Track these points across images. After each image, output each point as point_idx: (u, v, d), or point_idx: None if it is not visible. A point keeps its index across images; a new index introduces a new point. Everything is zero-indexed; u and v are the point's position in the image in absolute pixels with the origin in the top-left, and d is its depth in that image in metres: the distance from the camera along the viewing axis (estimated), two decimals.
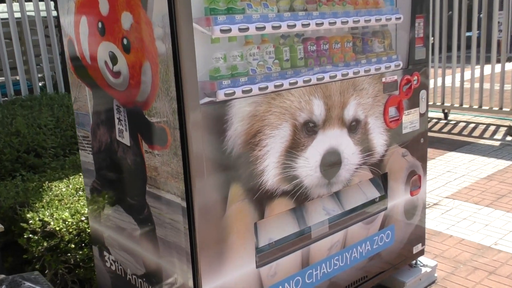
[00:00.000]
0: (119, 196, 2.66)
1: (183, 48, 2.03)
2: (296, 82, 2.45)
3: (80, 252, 3.07)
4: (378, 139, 2.94)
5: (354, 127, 2.78)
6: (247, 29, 2.22)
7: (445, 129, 7.82)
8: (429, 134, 7.48)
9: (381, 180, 3.09)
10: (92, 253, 3.10)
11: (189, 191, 2.17)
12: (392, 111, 3.01)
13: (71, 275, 3.17)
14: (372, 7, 2.84)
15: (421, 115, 3.21)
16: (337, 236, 2.83)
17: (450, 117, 8.50)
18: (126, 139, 2.48)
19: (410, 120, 3.14)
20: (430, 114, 8.61)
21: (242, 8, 2.25)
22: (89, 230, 3.09)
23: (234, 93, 2.21)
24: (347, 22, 2.62)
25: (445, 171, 5.85)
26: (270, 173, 2.42)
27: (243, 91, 2.25)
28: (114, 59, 2.39)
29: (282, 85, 2.39)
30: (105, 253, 2.94)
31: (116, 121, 2.51)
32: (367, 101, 2.83)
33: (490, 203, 4.85)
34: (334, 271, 2.85)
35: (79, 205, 3.20)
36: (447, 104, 8.36)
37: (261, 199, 2.40)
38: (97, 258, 3.04)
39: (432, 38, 8.38)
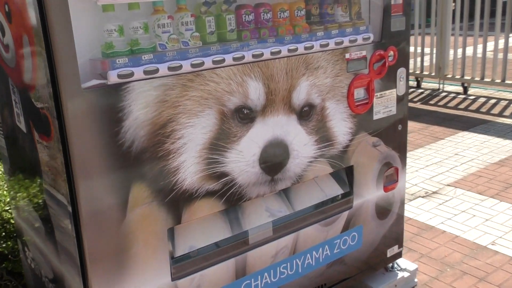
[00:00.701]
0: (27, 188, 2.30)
1: (53, 16, 1.60)
2: (223, 60, 2.00)
3: (4, 245, 2.74)
4: (340, 126, 2.48)
5: (307, 113, 2.32)
6: None
7: (462, 105, 7.19)
8: (444, 110, 6.91)
9: (345, 174, 2.63)
10: (17, 246, 2.78)
11: (73, 193, 1.78)
12: (359, 93, 2.52)
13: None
14: None
15: (399, 97, 2.71)
16: (284, 241, 2.41)
17: (470, 91, 7.82)
18: (22, 125, 2.10)
19: (384, 104, 2.65)
20: (448, 88, 7.98)
21: None
22: (13, 222, 2.76)
23: (132, 74, 1.78)
24: None
25: (453, 153, 5.31)
26: (189, 170, 2.00)
27: (146, 72, 1.81)
28: (2, 29, 1.98)
29: (202, 63, 1.94)
30: (25, 248, 2.60)
31: (13, 103, 2.13)
32: (325, 81, 2.35)
33: (496, 193, 4.32)
34: (281, 280, 2.45)
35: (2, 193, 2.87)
36: (467, 77, 7.69)
37: (176, 201, 2.00)
38: (21, 252, 2.72)
39: (454, 4, 7.66)
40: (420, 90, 8.17)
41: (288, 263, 2.45)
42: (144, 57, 1.82)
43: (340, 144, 2.50)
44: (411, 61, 8.29)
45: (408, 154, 5.29)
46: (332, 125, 2.44)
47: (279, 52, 2.16)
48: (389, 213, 2.86)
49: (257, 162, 2.19)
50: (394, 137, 2.75)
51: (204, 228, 2.16)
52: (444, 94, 7.84)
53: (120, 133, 1.79)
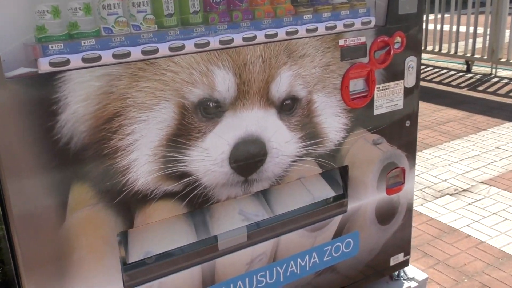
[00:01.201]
0: None
1: None
2: (183, 47, 1.76)
3: None
4: (332, 122, 2.19)
5: (289, 107, 2.05)
6: None
7: None
8: (493, 98, 6.36)
9: (339, 175, 2.35)
10: None
11: (1, 194, 1.62)
12: (356, 84, 2.22)
13: None
14: None
15: (408, 90, 2.38)
16: (261, 247, 2.17)
17: None
18: None
19: (388, 97, 2.33)
20: (501, 73, 7.35)
21: None
22: None
23: (67, 61, 1.57)
24: None
25: (494, 147, 4.84)
26: (141, 169, 1.79)
27: (85, 59, 1.60)
28: None
29: (156, 50, 1.71)
30: None
31: None
32: (313, 71, 2.07)
33: None
34: None
35: None
36: None
37: (126, 203, 1.80)
38: None
39: None
40: (470, 75, 7.58)
41: (267, 271, 2.22)
42: (84, 43, 1.61)
43: (332, 141, 2.22)
44: (461, 43, 7.69)
45: (442, 146, 4.89)
46: (321, 120, 2.16)
47: (254, 37, 1.89)
48: (392, 218, 2.56)
49: (227, 161, 1.95)
50: (400, 134, 2.43)
51: (163, 232, 1.95)
52: (495, 79, 7.23)
53: (55, 128, 1.60)
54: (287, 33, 1.96)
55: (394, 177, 2.49)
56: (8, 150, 1.55)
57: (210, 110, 1.87)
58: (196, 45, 1.78)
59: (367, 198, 2.42)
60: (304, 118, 2.10)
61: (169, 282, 1.98)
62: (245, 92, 1.92)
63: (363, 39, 2.16)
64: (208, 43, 1.80)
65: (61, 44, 1.57)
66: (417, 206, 3.78)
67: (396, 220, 2.58)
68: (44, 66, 1.55)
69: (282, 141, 2.06)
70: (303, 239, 2.29)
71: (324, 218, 2.32)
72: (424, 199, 3.91)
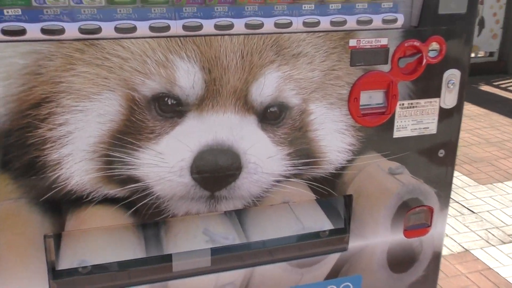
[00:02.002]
0: None
1: None
2: (134, 28, 1.47)
3: None
4: (333, 140, 1.78)
5: (275, 115, 1.69)
6: None
7: None
8: None
9: (342, 204, 1.93)
10: None
11: None
12: (371, 97, 1.79)
13: None
14: None
15: (446, 111, 1.90)
16: (228, 276, 1.84)
17: None
18: None
19: (416, 118, 1.87)
20: None
21: None
22: None
23: None
24: None
25: None
26: (76, 166, 1.54)
27: (5, 31, 1.37)
28: None
29: (99, 29, 1.44)
30: None
31: None
32: (310, 75, 1.68)
33: None
34: None
35: None
36: None
37: (56, 202, 1.55)
38: None
39: None
40: None
41: None
42: (8, 12, 1.38)
43: (331, 164, 1.81)
44: None
45: None
46: (318, 136, 1.76)
47: (231, 26, 1.55)
48: (410, 266, 2.09)
49: (187, 171, 1.63)
50: (429, 165, 1.95)
51: (105, 241, 1.69)
52: None
53: None
54: (277, 25, 1.60)
55: (417, 217, 2.01)
56: None
57: (168, 108, 1.57)
58: (152, 28, 1.48)
59: (376, 237, 1.98)
60: (295, 132, 1.72)
61: None
62: (215, 92, 1.59)
63: (384, 41, 1.73)
64: (168, 27, 1.50)
65: None
66: (476, 249, 3.20)
67: (414, 270, 2.10)
68: None
69: (263, 155, 1.70)
70: (285, 274, 1.91)
71: (315, 254, 1.93)
72: (488, 241, 3.30)
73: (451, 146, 1.96)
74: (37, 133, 1.47)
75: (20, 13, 1.39)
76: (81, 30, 1.43)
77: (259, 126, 1.68)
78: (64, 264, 1.65)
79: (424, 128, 1.89)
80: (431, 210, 2.02)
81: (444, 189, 2.01)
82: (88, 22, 1.43)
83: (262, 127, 1.68)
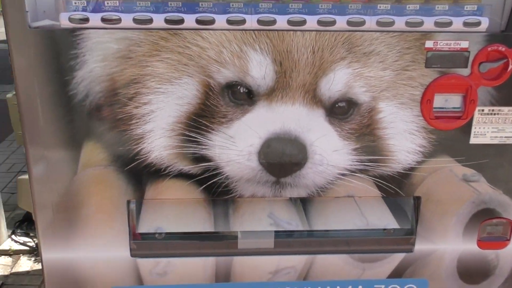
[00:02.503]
0: None
1: None
2: (213, 21, 1.62)
3: None
4: (403, 140, 1.79)
5: (343, 110, 1.74)
6: None
7: None
8: None
9: (411, 206, 1.92)
10: None
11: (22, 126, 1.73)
12: (447, 100, 1.77)
13: None
14: None
15: None
16: (289, 260, 1.93)
17: None
18: None
19: (497, 126, 1.80)
20: None
21: None
22: None
23: (87, 19, 1.59)
24: None
25: None
26: (156, 143, 1.74)
27: (105, 20, 1.59)
28: None
29: (181, 21, 1.61)
30: None
31: None
32: (381, 74, 1.71)
33: None
34: None
35: None
36: None
37: (138, 172, 1.77)
38: None
39: None
40: None
41: None
42: (108, 3, 1.60)
43: (400, 163, 1.82)
44: None
45: None
46: (387, 135, 1.78)
47: (303, 22, 1.63)
48: (484, 278, 2.02)
49: (255, 156, 1.75)
50: (509, 176, 1.87)
51: (179, 212, 1.88)
52: None
53: (71, 83, 1.64)
54: (349, 23, 1.64)
55: (494, 229, 1.94)
56: (28, 99, 1.66)
57: (240, 96, 1.70)
58: (229, 22, 1.62)
59: (445, 243, 1.94)
60: (363, 128, 1.76)
61: (179, 264, 1.91)
62: (285, 83, 1.69)
63: (464, 44, 1.69)
64: (243, 21, 1.62)
65: (84, 1, 1.59)
66: None
67: (489, 284, 2.02)
68: (64, 21, 1.59)
69: (329, 148, 1.76)
70: (346, 267, 1.96)
71: (378, 251, 1.95)
72: None
73: None
74: (125, 110, 1.69)
75: (117, 4, 1.60)
76: (166, 21, 1.60)
77: (326, 120, 1.74)
78: (143, 228, 1.87)
79: (506, 137, 1.81)
80: (510, 223, 1.93)
81: None
82: (173, 14, 1.61)
83: (330, 121, 1.74)
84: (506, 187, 1.88)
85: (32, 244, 3.02)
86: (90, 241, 1.84)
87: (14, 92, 2.88)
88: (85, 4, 1.59)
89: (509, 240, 1.95)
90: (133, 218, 1.85)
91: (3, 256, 2.95)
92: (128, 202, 1.81)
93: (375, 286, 1.99)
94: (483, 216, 1.90)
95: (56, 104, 1.66)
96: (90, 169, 1.75)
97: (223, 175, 1.78)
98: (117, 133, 1.71)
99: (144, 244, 1.89)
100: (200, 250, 1.91)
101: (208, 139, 1.74)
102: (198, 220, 1.88)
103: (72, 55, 1.61)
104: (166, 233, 1.89)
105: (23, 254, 2.97)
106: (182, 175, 1.78)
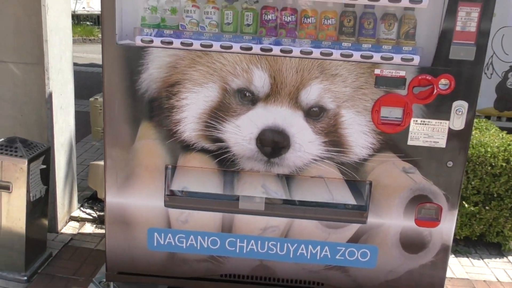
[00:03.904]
0: None
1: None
2: (230, 47, 2.47)
3: None
4: (358, 138, 2.55)
5: (316, 113, 2.53)
6: None
7: None
8: None
9: (365, 188, 2.65)
10: None
11: (104, 111, 2.62)
12: (391, 112, 2.51)
13: None
14: None
15: (454, 132, 2.51)
16: (275, 221, 2.69)
17: None
18: None
19: (427, 133, 2.52)
20: None
21: None
22: None
23: (151, 41, 2.48)
24: None
25: None
26: (188, 126, 2.58)
27: (163, 42, 2.48)
28: None
29: (211, 45, 2.47)
30: None
31: None
32: (343, 90, 2.49)
33: None
34: (269, 255, 2.74)
35: None
36: None
37: (174, 146, 2.61)
38: None
39: None
40: None
41: (278, 243, 2.72)
42: (166, 32, 2.49)
43: (356, 155, 2.57)
44: None
45: None
46: (347, 133, 2.54)
47: (290, 51, 2.46)
48: (420, 250, 2.68)
49: (254, 140, 2.56)
50: (439, 172, 2.57)
51: (199, 177, 2.69)
52: None
53: (138, 81, 2.53)
54: (322, 53, 2.45)
55: (426, 211, 2.62)
56: (111, 89, 2.55)
57: (246, 98, 2.52)
58: (242, 48, 2.46)
59: (390, 219, 2.64)
60: (330, 127, 2.54)
61: (196, 215, 2.71)
62: (277, 92, 2.50)
63: (402, 73, 2.45)
64: (251, 48, 2.46)
65: (151, 30, 2.49)
66: None
67: (425, 254, 2.68)
68: (138, 41, 2.49)
69: (305, 139, 2.55)
70: (316, 230, 2.69)
71: (340, 220, 2.67)
72: None
73: (459, 159, 2.54)
74: (170, 102, 2.55)
75: (172, 33, 2.49)
76: (201, 45, 2.47)
77: (303, 119, 2.53)
78: (174, 186, 2.69)
79: (434, 141, 2.53)
80: (440, 208, 2.61)
81: (452, 193, 2.59)
82: (205, 40, 2.47)
83: (306, 120, 2.53)
84: (436, 180, 2.57)
85: (94, 215, 3.89)
86: (138, 191, 2.68)
87: (95, 97, 3.86)
88: (152, 31, 2.49)
89: (439, 221, 2.63)
90: (168, 178, 2.68)
91: (73, 221, 3.84)
92: (166, 166, 2.65)
93: (337, 247, 2.70)
94: (418, 200, 2.60)
95: (127, 94, 2.55)
96: (143, 140, 2.61)
97: (231, 152, 2.59)
98: (163, 117, 2.57)
99: (174, 198, 2.71)
100: (212, 206, 2.70)
101: (222, 126, 2.56)
102: (212, 184, 2.69)
103: (140, 63, 2.50)
104: (190, 192, 2.70)
105: (87, 221, 3.85)
106: (204, 150, 2.61)
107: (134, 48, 2.50)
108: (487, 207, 3.75)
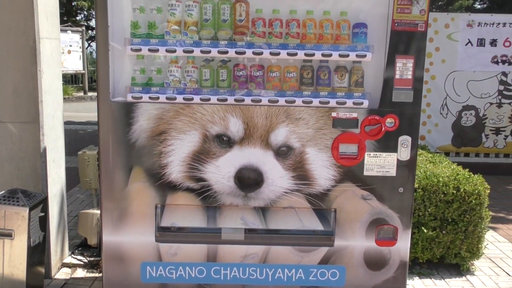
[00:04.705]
0: None
1: (99, 59, 2.88)
2: (209, 99, 2.90)
3: None
4: (321, 171, 2.97)
5: (284, 152, 2.95)
6: (157, 50, 2.86)
7: None
8: None
9: (331, 215, 3.05)
10: None
11: (99, 159, 3.00)
12: (348, 148, 2.96)
13: None
14: (331, 42, 2.91)
15: (402, 162, 2.96)
16: (254, 249, 3.06)
17: None
18: None
19: (380, 164, 2.96)
20: None
21: (161, 34, 2.90)
22: None
23: (141, 97, 2.90)
24: (278, 53, 2.85)
25: None
26: (174, 168, 2.97)
27: (150, 98, 2.90)
28: None
29: (192, 99, 2.90)
30: None
31: None
32: (306, 131, 2.93)
33: None
34: (250, 280, 3.08)
35: None
36: None
37: (163, 187, 2.99)
38: None
39: None
40: None
41: (258, 268, 3.07)
42: (153, 89, 2.92)
43: (321, 186, 2.98)
44: None
45: None
46: (311, 168, 2.97)
47: (259, 100, 2.90)
48: (382, 267, 3.07)
49: (232, 178, 2.96)
50: (392, 197, 2.99)
51: (186, 214, 3.06)
52: None
53: (129, 132, 2.93)
54: (286, 101, 2.90)
55: (384, 232, 3.03)
56: (104, 136, 2.94)
57: (224, 142, 2.94)
58: (218, 100, 2.90)
59: (354, 241, 3.03)
60: (296, 163, 2.96)
61: (184, 248, 3.06)
62: (250, 135, 2.93)
63: (355, 114, 2.91)
64: (226, 99, 2.90)
65: (140, 87, 2.91)
66: None
67: (386, 270, 3.07)
68: (129, 98, 2.90)
69: (276, 175, 2.96)
70: (290, 255, 3.06)
71: (310, 244, 3.05)
72: None
73: (408, 185, 2.98)
74: (157, 149, 2.94)
75: (158, 89, 2.91)
76: (184, 99, 2.90)
77: (274, 157, 2.94)
78: (164, 223, 3.05)
79: (385, 171, 2.97)
80: (396, 229, 3.02)
81: (405, 215, 3.01)
82: (187, 95, 2.90)
83: (276, 158, 2.95)
84: (390, 204, 3.00)
85: (85, 260, 4.16)
86: (132, 229, 3.03)
87: (83, 150, 4.22)
88: (141, 89, 2.91)
89: (396, 240, 3.03)
90: (158, 216, 3.04)
91: (65, 267, 4.11)
92: (156, 205, 3.02)
93: (310, 269, 3.07)
94: (377, 223, 3.01)
95: (120, 144, 2.94)
96: (135, 183, 2.98)
97: (213, 190, 2.98)
98: (152, 162, 2.96)
99: (164, 233, 3.06)
100: (198, 239, 3.06)
101: (204, 167, 2.96)
102: (197, 219, 3.06)
103: (131, 116, 2.91)
104: (178, 227, 3.06)
105: (79, 267, 4.13)
106: (189, 189, 2.99)
107: (126, 104, 2.91)
108: (443, 231, 4.17)
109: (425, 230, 4.14)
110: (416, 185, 3.92)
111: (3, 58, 3.51)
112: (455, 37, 7.44)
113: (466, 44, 7.47)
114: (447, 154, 7.71)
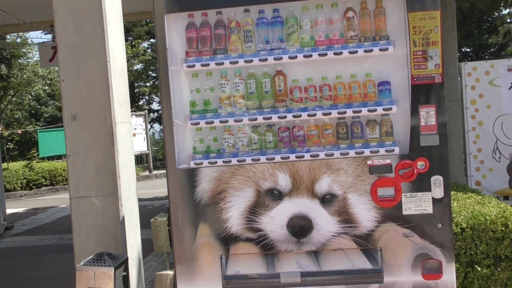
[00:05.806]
0: None
1: (165, 134, 3.44)
2: (259, 159, 3.38)
3: None
4: (364, 214, 3.32)
5: (329, 199, 3.34)
6: (212, 122, 3.40)
7: None
8: None
9: (378, 254, 3.36)
10: None
11: (170, 219, 3.50)
12: (386, 191, 3.31)
13: None
14: (360, 100, 3.35)
15: (437, 200, 3.27)
16: None
17: None
18: None
19: (416, 203, 3.29)
20: None
21: (215, 109, 3.45)
22: None
23: (202, 163, 3.42)
24: (314, 115, 3.33)
25: None
26: (234, 222, 3.42)
27: (210, 163, 3.42)
28: None
29: (244, 160, 3.39)
30: None
31: None
32: (346, 179, 3.33)
33: None
34: None
35: None
36: None
37: (226, 239, 3.43)
38: None
39: None
40: None
41: None
42: (211, 155, 3.44)
43: (365, 227, 3.32)
44: None
45: None
46: (355, 211, 3.33)
47: (302, 156, 3.35)
48: None
49: (285, 227, 3.37)
50: (432, 233, 3.28)
51: (246, 261, 3.46)
52: None
53: (194, 193, 3.43)
54: (326, 155, 3.33)
55: (430, 266, 3.29)
56: (174, 199, 3.45)
57: (275, 195, 3.38)
58: (267, 159, 3.37)
59: (401, 276, 3.31)
60: (341, 208, 3.33)
61: None
62: (297, 187, 3.35)
63: (388, 161, 3.29)
64: (273, 158, 3.37)
65: (200, 155, 3.44)
66: None
67: None
68: (192, 165, 3.43)
69: (324, 220, 3.34)
70: None
71: (361, 282, 3.35)
72: None
73: (446, 220, 3.27)
74: (219, 206, 3.41)
75: (216, 155, 3.43)
76: (238, 161, 3.39)
77: (320, 205, 3.34)
78: (229, 271, 3.46)
79: (423, 209, 3.28)
80: (440, 262, 3.28)
81: (447, 248, 3.27)
82: (241, 157, 3.40)
83: (322, 206, 3.34)
84: (431, 239, 3.28)
85: None
86: (201, 278, 3.45)
87: (155, 218, 4.77)
88: (201, 156, 3.43)
89: (442, 273, 3.28)
90: (223, 266, 3.46)
91: None
92: (221, 256, 3.45)
93: None
94: (421, 258, 3.28)
95: (188, 203, 3.43)
96: (202, 238, 3.44)
97: (269, 238, 3.39)
98: (215, 218, 3.42)
99: (230, 281, 3.46)
100: (260, 284, 3.43)
101: (260, 219, 3.39)
102: (258, 266, 3.45)
103: (194, 180, 3.42)
104: (241, 274, 3.46)
105: None
106: (248, 239, 3.41)
107: (190, 170, 3.44)
108: (498, 269, 4.30)
109: (479, 269, 4.29)
110: (464, 225, 4.15)
111: (88, 143, 4.17)
112: (497, 83, 7.69)
113: (510, 88, 7.68)
114: (505, 198, 7.72)
